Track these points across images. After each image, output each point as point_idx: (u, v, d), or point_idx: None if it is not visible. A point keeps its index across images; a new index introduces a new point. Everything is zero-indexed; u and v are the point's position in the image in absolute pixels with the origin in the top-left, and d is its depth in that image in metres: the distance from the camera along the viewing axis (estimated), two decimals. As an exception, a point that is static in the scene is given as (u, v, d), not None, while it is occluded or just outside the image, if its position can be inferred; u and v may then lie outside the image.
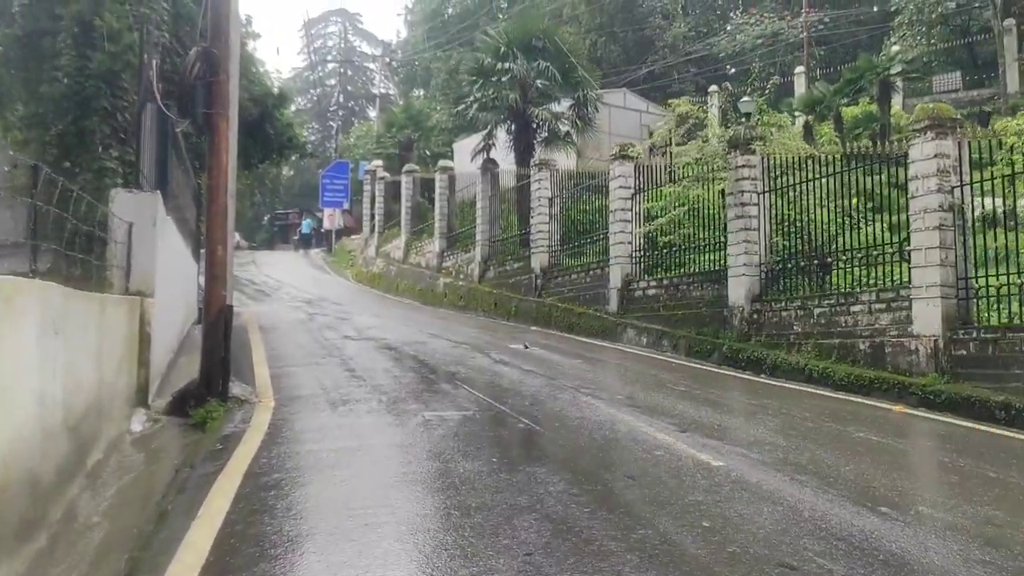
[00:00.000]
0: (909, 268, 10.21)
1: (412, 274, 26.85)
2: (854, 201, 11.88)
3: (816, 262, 11.93)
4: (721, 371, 11.66)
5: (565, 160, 21.90)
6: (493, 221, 22.22)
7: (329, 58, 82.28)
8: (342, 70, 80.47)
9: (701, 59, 42.23)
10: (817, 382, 10.47)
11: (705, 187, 13.56)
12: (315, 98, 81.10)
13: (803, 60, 35.90)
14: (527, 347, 12.67)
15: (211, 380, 8.09)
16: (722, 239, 13.54)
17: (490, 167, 22.24)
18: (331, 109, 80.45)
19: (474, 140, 35.74)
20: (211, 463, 6.16)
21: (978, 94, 30.64)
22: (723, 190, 13.05)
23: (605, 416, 7.50)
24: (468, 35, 46.15)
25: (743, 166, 12.91)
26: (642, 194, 15.94)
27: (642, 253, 15.67)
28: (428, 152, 37.63)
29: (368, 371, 10.04)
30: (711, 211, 13.98)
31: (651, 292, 15.03)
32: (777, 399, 9.02)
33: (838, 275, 11.65)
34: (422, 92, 55.24)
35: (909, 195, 10.20)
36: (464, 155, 26.87)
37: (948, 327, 9.51)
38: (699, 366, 12.12)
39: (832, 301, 11.18)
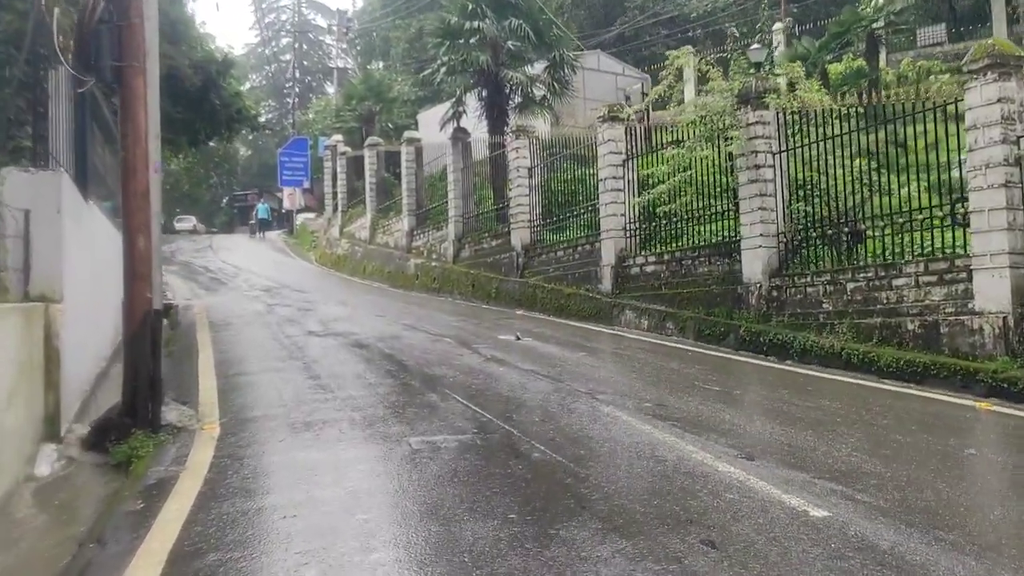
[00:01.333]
0: (965, 234, 8.79)
1: (380, 255, 25.10)
2: (866, 162, 10.44)
3: (846, 230, 10.46)
4: (742, 358, 10.20)
5: (542, 127, 20.26)
6: (467, 196, 20.53)
7: (283, 32, 79.49)
8: (297, 44, 77.59)
9: (671, 20, 40.66)
10: (858, 369, 9.03)
11: (713, 148, 12.00)
12: (270, 74, 78.41)
13: (780, 17, 34.40)
14: (519, 338, 11.09)
15: (136, 406, 6.41)
16: (732, 207, 12.04)
17: (461, 136, 20.51)
18: (287, 85, 77.70)
19: (440, 110, 33.86)
20: (127, 533, 4.53)
21: (964, 47, 29.41)
22: (732, 152, 11.52)
23: (640, 435, 5.95)
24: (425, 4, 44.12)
25: (756, 123, 11.37)
26: (635, 160, 14.36)
27: (638, 225, 14.12)
28: (391, 125, 35.64)
29: (337, 378, 8.40)
30: (717, 176, 12.45)
31: (650, 269, 13.51)
32: (831, 397, 7.54)
33: (873, 244, 10.19)
34: (381, 64, 53.04)
35: (966, 148, 8.73)
36: (430, 127, 25.08)
37: (1020, 302, 8.10)
38: (716, 353, 10.64)
39: (869, 274, 9.71)
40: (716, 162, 12.33)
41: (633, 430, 6.10)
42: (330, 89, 63.04)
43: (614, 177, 14.27)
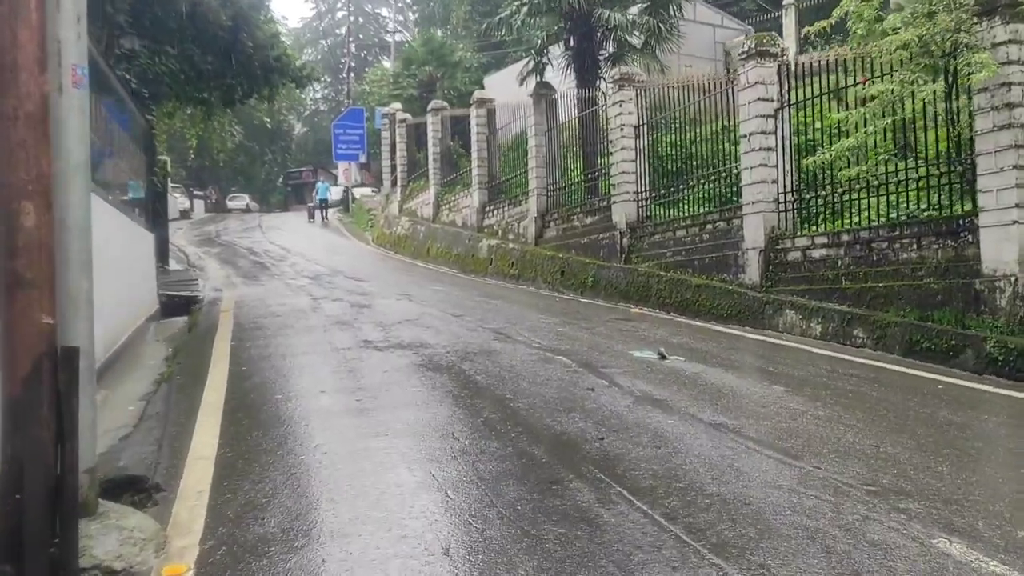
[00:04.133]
0: None
1: (446, 235, 21.88)
2: None
3: None
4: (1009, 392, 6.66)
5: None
6: (551, 164, 17.12)
7: (339, 5, 76.83)
8: (352, 17, 74.71)
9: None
10: None
11: (935, 82, 8.41)
12: (325, 49, 75.61)
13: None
14: (664, 356, 7.69)
15: (24, 540, 3.22)
16: (963, 166, 8.47)
17: (545, 93, 17.09)
18: (342, 60, 75.07)
19: (508, 75, 30.45)
20: None
21: None
22: (973, 85, 7.92)
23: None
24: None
25: (1009, 42, 7.77)
26: (792, 108, 10.81)
27: (798, 195, 10.60)
28: (454, 92, 32.39)
29: (412, 438, 5.14)
30: (925, 125, 8.85)
31: (818, 254, 9.98)
32: None
33: None
34: (441, 32, 49.73)
35: None
36: (498, 93, 21.67)
37: None
38: (957, 381, 7.11)
39: None
40: (928, 104, 8.71)
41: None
42: (387, 64, 60.10)
43: (763, 132, 10.73)
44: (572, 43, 17.12)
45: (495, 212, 19.58)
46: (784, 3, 29.04)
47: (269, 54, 13.55)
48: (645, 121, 13.94)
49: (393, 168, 29.31)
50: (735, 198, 11.96)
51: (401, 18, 72.31)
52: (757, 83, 10.79)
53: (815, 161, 9.80)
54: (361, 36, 76.31)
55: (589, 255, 14.81)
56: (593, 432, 5.18)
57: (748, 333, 9.84)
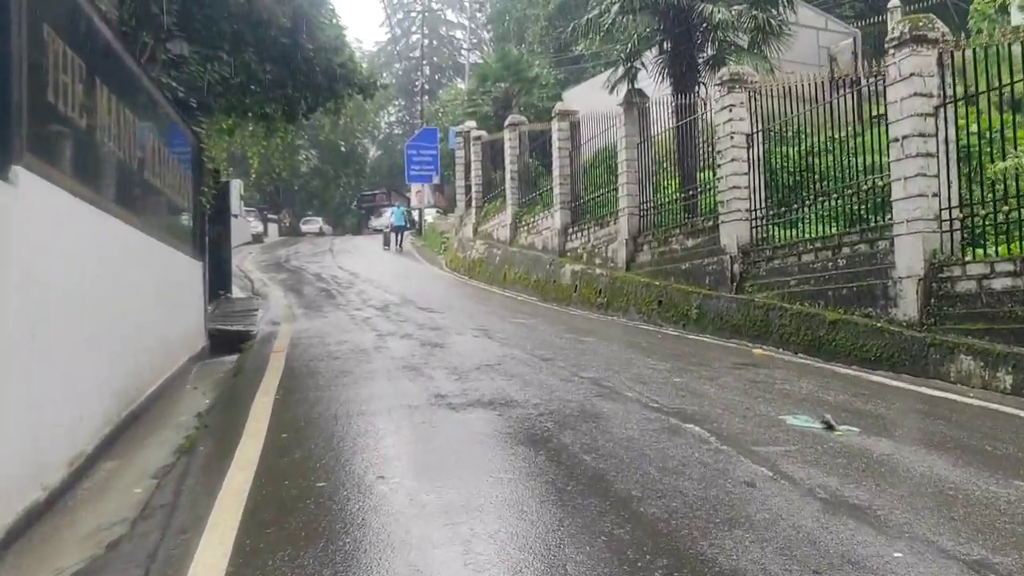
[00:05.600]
0: None
1: (524, 259, 20.20)
2: None
3: None
4: None
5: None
6: (644, 179, 15.30)
7: (413, 28, 76.76)
8: (427, 40, 74.37)
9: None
10: None
11: None
12: (400, 72, 75.29)
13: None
14: (831, 425, 5.76)
15: None
16: None
17: (637, 101, 15.31)
18: (416, 83, 74.75)
19: (588, 89, 28.86)
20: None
21: None
22: None
23: None
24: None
25: None
26: (957, 105, 8.80)
27: (969, 211, 8.55)
28: (531, 109, 30.84)
29: (505, 567, 3.43)
30: None
31: (1002, 284, 7.90)
32: None
33: None
34: (516, 50, 48.46)
35: None
36: (577, 108, 19.95)
37: None
38: None
39: None
40: None
41: None
42: (461, 85, 59.23)
43: (921, 134, 8.73)
44: (667, 46, 15.32)
45: (579, 234, 17.83)
46: (889, 5, 26.76)
47: (333, 59, 12.10)
48: (759, 128, 12.03)
49: (467, 188, 27.87)
50: (874, 216, 9.99)
51: (475, 39, 71.67)
52: (912, 75, 8.81)
53: (1007, 168, 7.75)
54: (435, 58, 76.05)
55: (691, 282, 12.92)
56: (780, 570, 3.34)
57: (912, 384, 7.82)
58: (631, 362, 8.70)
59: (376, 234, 44.06)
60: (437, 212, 40.45)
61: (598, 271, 16.08)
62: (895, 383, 7.87)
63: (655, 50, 15.72)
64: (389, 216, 48.99)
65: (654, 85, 16.05)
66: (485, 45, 66.13)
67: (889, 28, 9.79)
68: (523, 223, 21.44)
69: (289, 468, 5.15)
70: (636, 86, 15.81)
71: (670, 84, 15.39)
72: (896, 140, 9.01)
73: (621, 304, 14.67)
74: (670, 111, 14.87)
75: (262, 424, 6.24)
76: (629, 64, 15.58)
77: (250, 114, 13.57)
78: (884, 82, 9.43)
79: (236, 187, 35.24)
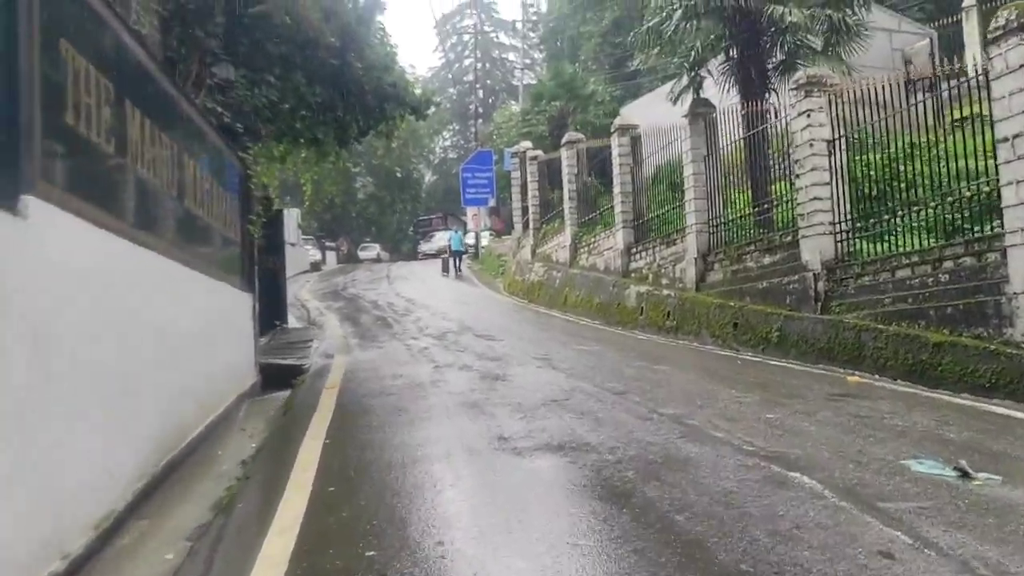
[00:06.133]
0: None
1: (585, 281, 19.45)
2: None
3: None
4: None
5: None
6: (712, 194, 14.45)
7: (466, 53, 77.11)
8: (480, 64, 74.54)
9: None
10: None
11: None
12: (454, 97, 75.53)
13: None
14: (966, 473, 4.84)
15: None
16: None
17: (703, 111, 14.49)
18: (470, 107, 74.90)
19: (645, 104, 28.10)
20: None
21: None
22: None
23: None
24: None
25: None
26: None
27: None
28: (587, 127, 30.19)
29: None
30: None
31: None
32: None
33: None
34: (570, 68, 47.95)
35: None
36: (635, 122, 19.16)
37: None
38: None
39: None
40: None
41: None
42: (515, 108, 59.07)
43: (1041, 131, 7.80)
44: (734, 52, 14.52)
45: (643, 254, 17.02)
46: (964, 5, 25.46)
47: (383, 79, 11.60)
48: (841, 134, 11.13)
49: (524, 210, 27.28)
50: (976, 225, 9.03)
51: (528, 60, 71.49)
52: (1023, 66, 7.89)
53: None
54: (488, 81, 76.18)
55: (770, 302, 12.02)
56: None
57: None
58: (714, 394, 7.86)
59: (427, 259, 43.73)
60: (491, 235, 39.96)
61: (665, 292, 15.24)
62: (1021, 415, 6.91)
63: (720, 57, 14.93)
64: (443, 240, 48.73)
65: (720, 94, 15.25)
66: (538, 66, 65.93)
67: (998, 14, 8.84)
68: (583, 244, 20.71)
69: (335, 531, 4.49)
70: (701, 95, 15.01)
71: (737, 92, 14.57)
72: (1005, 140, 8.07)
73: (692, 327, 13.80)
74: (738, 121, 14.04)
75: (309, 473, 5.61)
76: (693, 73, 14.81)
77: (301, 139, 13.16)
78: (988, 77, 8.49)
79: (292, 216, 35.29)
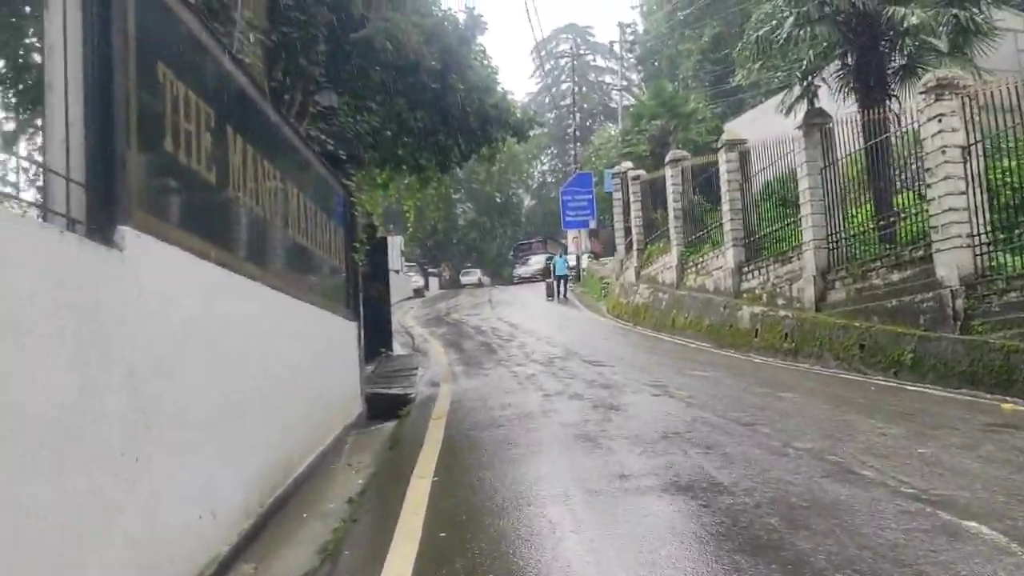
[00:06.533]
0: None
1: (694, 302, 18.73)
2: None
3: None
4: None
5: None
6: (830, 208, 13.62)
7: (563, 78, 77.21)
8: (576, 87, 74.52)
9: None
10: None
11: None
12: (551, 122, 75.70)
13: None
14: None
15: None
16: None
17: (818, 121, 13.71)
18: (568, 130, 74.88)
19: (751, 119, 27.23)
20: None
21: None
22: None
23: None
24: (720, 5, 37.66)
25: None
26: None
27: None
28: (689, 145, 29.43)
29: None
30: None
31: None
32: None
33: None
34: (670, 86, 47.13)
35: None
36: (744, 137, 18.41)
37: None
38: None
39: None
40: None
41: None
42: (613, 131, 58.59)
43: None
44: (850, 58, 13.71)
45: (756, 273, 16.23)
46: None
47: (485, 100, 11.37)
48: (977, 139, 10.24)
49: (627, 231, 26.69)
50: None
51: (625, 82, 70.93)
52: None
53: None
54: (585, 104, 75.95)
55: (900, 322, 11.13)
56: None
57: None
58: (852, 426, 7.16)
59: (523, 283, 43.41)
60: (590, 257, 39.42)
61: (781, 313, 14.43)
62: None
63: (835, 64, 14.14)
64: (538, 264, 48.34)
65: (835, 104, 14.43)
66: (635, 87, 65.31)
67: None
68: (690, 264, 20.00)
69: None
70: (815, 106, 14.23)
71: (855, 100, 13.74)
72: None
73: (813, 349, 12.96)
74: (857, 130, 13.20)
75: (417, 517, 5.26)
76: (806, 82, 14.04)
77: (404, 166, 13.06)
78: None
79: (396, 243, 35.68)
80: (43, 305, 3.08)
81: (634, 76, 64.78)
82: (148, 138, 4.26)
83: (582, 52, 77.71)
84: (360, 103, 10.81)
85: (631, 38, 53.04)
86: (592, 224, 38.33)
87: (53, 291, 3.16)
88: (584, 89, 76.64)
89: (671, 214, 20.92)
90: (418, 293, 41.23)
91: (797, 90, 14.52)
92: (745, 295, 16.46)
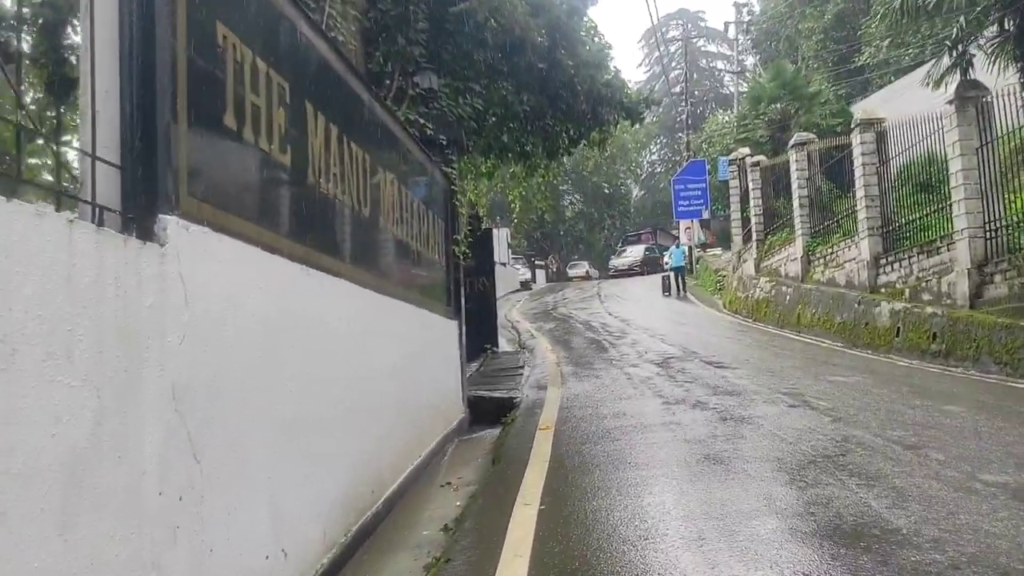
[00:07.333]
0: None
1: (822, 297, 17.25)
2: None
3: None
4: None
5: None
6: (987, 192, 12.03)
7: (674, 64, 75.21)
8: (687, 74, 72.33)
9: None
10: None
11: None
12: (660, 109, 73.77)
13: None
14: None
15: None
16: None
17: (972, 96, 12.14)
18: (679, 119, 72.80)
19: (881, 100, 25.28)
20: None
21: None
22: None
23: None
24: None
25: None
26: None
27: None
28: (812, 129, 27.55)
29: None
30: None
31: None
32: None
33: None
34: (791, 66, 44.70)
35: None
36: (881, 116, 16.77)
37: None
38: None
39: None
40: None
41: None
42: (723, 119, 56.38)
43: None
44: (1009, 23, 12.08)
45: (896, 265, 14.68)
46: None
47: (596, 77, 10.43)
48: None
49: (745, 220, 25.18)
50: None
51: (738, 68, 68.34)
52: None
53: None
54: (696, 92, 73.67)
55: (1081, 323, 9.59)
56: None
57: None
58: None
59: (620, 276, 42.08)
60: (699, 248, 37.76)
61: (928, 309, 12.91)
62: None
63: (992, 30, 12.52)
64: (633, 255, 46.79)
65: (989, 75, 12.81)
66: (748, 72, 62.80)
67: None
68: (817, 255, 18.47)
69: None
70: (969, 77, 12.64)
71: (1017, 70, 12.10)
72: None
73: (968, 351, 11.47)
74: (1018, 104, 11.59)
75: (522, 558, 4.42)
76: (959, 53, 12.47)
77: (509, 153, 12.26)
78: None
79: (502, 235, 35.07)
80: (45, 317, 2.38)
81: (749, 61, 62.26)
82: (202, 111, 3.55)
83: (693, 37, 75.43)
84: (463, 85, 10.06)
85: (747, 19, 50.72)
86: (705, 214, 36.68)
87: (57, 299, 2.46)
88: (695, 75, 74.40)
89: (795, 202, 19.43)
90: (525, 286, 40.54)
91: (947, 60, 12.93)
92: (883, 290, 14.94)
